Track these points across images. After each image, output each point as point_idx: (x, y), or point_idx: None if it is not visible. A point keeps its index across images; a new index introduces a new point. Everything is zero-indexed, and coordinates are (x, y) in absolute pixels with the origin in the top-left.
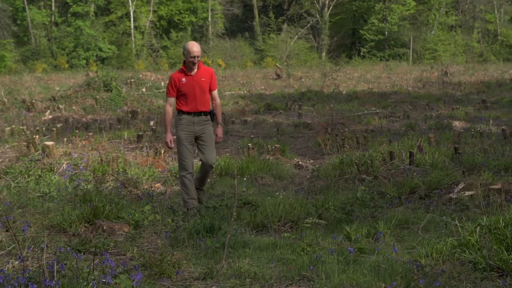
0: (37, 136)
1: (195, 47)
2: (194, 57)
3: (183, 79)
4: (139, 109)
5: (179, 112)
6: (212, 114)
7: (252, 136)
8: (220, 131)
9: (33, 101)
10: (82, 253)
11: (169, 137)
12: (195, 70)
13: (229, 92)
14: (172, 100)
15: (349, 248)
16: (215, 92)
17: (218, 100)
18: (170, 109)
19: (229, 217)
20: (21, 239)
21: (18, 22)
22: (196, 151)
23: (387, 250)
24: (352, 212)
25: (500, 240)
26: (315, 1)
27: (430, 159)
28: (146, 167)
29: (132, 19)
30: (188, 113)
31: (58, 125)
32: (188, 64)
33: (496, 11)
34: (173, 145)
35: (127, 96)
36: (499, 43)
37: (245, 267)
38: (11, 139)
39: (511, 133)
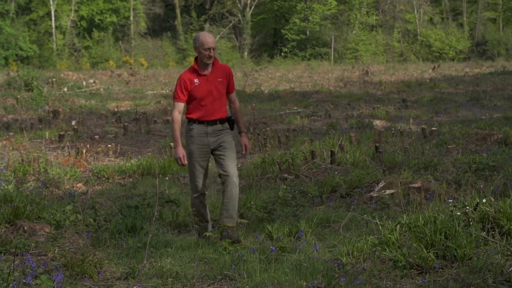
0: None
1: (208, 37)
2: (209, 49)
3: (196, 80)
4: (60, 109)
5: (189, 121)
6: (230, 121)
7: None
8: (246, 140)
9: None
10: (2, 254)
11: (181, 152)
12: (210, 69)
13: (151, 92)
14: (181, 106)
15: (271, 247)
16: (233, 95)
17: (237, 104)
18: (179, 117)
19: (151, 217)
20: None
21: None
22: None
23: (308, 249)
24: (274, 211)
25: (420, 238)
26: (237, 1)
27: (351, 158)
28: (67, 167)
29: (53, 18)
30: (200, 121)
31: None
32: (201, 60)
33: (415, 11)
34: (186, 162)
35: (49, 96)
36: (419, 43)
37: (167, 267)
38: None
39: (431, 132)
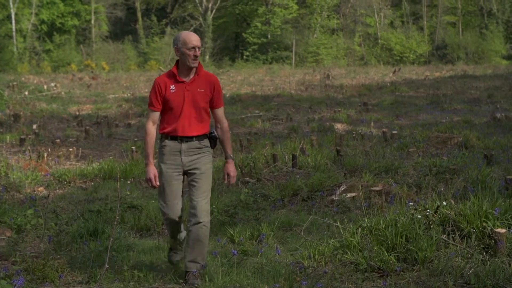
0: None
1: (192, 35)
2: (194, 48)
3: (172, 87)
4: (21, 113)
5: (162, 135)
6: (212, 138)
7: (136, 139)
8: (231, 168)
9: None
10: None
11: (152, 171)
12: (191, 76)
13: (113, 95)
14: (157, 115)
15: (233, 251)
16: (220, 111)
17: (225, 123)
18: (153, 129)
19: (113, 221)
20: None
21: None
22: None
23: (270, 252)
24: (235, 214)
25: (381, 241)
26: (198, 4)
27: (312, 161)
28: (29, 171)
29: (13, 21)
30: (173, 137)
31: None
32: (183, 62)
33: (376, 15)
34: (158, 183)
35: (10, 99)
36: (380, 46)
37: (129, 271)
38: None
39: (392, 135)
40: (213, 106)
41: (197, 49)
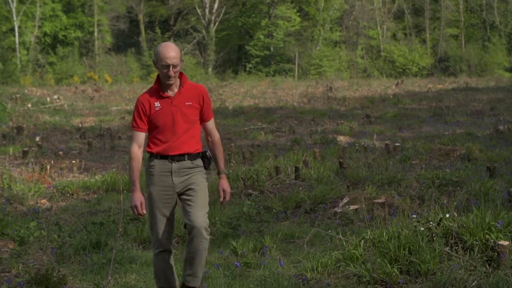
0: None
1: (169, 50)
2: (169, 66)
3: (157, 104)
4: (24, 125)
5: (150, 156)
6: (205, 157)
7: None
8: (226, 184)
9: None
10: None
11: (138, 199)
12: (176, 89)
13: (116, 107)
14: (142, 136)
15: (236, 263)
16: (211, 124)
17: (216, 136)
18: (138, 153)
19: (116, 233)
20: None
21: None
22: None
23: (273, 264)
24: (238, 226)
25: (384, 253)
26: (201, 17)
27: (315, 173)
28: (31, 183)
29: (17, 34)
30: (163, 156)
31: None
32: (162, 78)
33: (379, 28)
34: (145, 211)
35: (13, 112)
36: (382, 58)
37: (131, 283)
38: None
39: (394, 147)
40: (203, 119)
41: (171, 68)
